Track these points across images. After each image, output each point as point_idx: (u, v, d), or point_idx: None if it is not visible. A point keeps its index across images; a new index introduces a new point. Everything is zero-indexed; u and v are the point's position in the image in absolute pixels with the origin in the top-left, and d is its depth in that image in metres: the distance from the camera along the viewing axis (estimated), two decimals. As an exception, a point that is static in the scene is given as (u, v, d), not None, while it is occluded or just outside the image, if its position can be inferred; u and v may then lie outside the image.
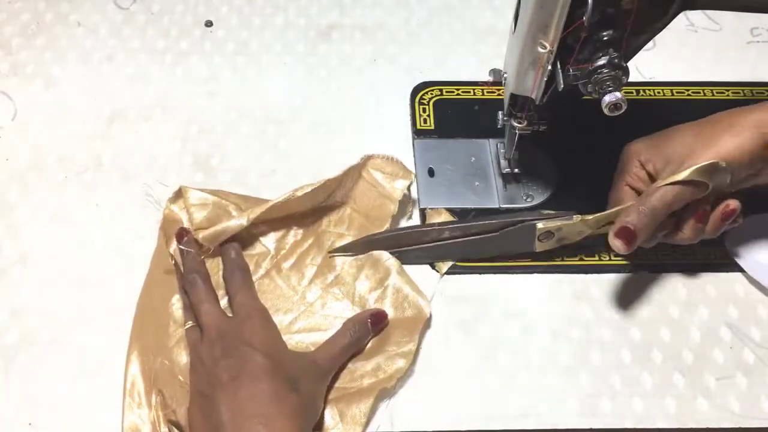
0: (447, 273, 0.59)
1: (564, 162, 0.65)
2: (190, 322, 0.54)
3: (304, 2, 0.78)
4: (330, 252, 0.59)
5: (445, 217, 0.61)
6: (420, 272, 0.59)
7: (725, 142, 0.53)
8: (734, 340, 0.56)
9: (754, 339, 0.56)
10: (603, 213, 0.57)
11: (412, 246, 0.59)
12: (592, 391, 0.54)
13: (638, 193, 0.57)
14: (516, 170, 0.63)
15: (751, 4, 0.60)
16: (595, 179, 0.64)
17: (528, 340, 0.56)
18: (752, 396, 0.54)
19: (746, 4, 0.60)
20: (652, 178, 0.56)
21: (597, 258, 0.60)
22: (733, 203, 0.55)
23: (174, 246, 0.57)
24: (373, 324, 0.55)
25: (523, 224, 0.57)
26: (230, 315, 0.54)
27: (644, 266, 0.60)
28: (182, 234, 0.57)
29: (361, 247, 0.59)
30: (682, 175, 0.52)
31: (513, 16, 0.53)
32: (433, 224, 0.59)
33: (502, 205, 0.63)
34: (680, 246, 0.58)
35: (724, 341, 0.56)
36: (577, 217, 0.57)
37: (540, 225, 0.57)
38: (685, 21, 0.77)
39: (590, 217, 0.57)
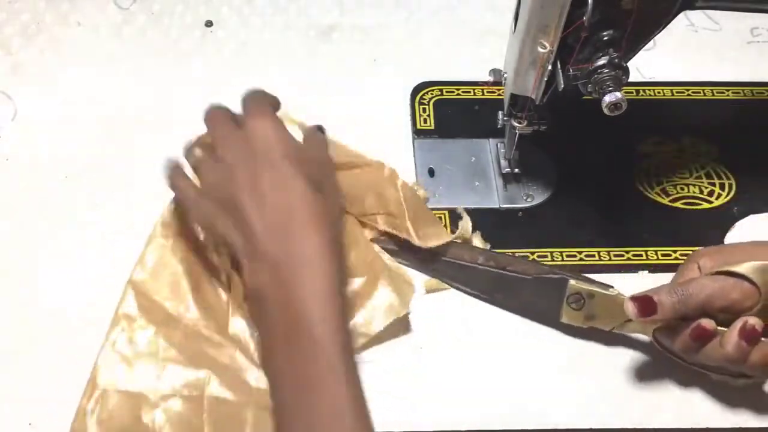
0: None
1: (564, 162, 0.65)
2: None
3: (304, 2, 0.78)
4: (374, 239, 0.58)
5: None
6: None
7: None
8: (734, 340, 0.56)
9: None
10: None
11: (440, 258, 0.57)
12: (592, 391, 0.54)
13: None
14: (516, 170, 0.63)
15: (751, 4, 0.60)
16: (596, 179, 0.64)
17: (528, 341, 0.56)
18: (752, 396, 0.54)
19: (746, 4, 0.60)
20: None
21: (597, 258, 0.60)
22: None
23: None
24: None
25: (557, 277, 0.53)
26: None
27: (644, 266, 0.60)
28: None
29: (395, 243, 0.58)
30: (735, 267, 0.47)
31: (513, 16, 0.53)
32: (473, 246, 0.58)
33: (502, 205, 0.63)
34: (680, 246, 0.58)
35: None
36: (614, 290, 0.52)
37: (573, 282, 0.52)
38: (685, 21, 0.77)
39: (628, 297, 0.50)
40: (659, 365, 0.55)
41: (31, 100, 0.69)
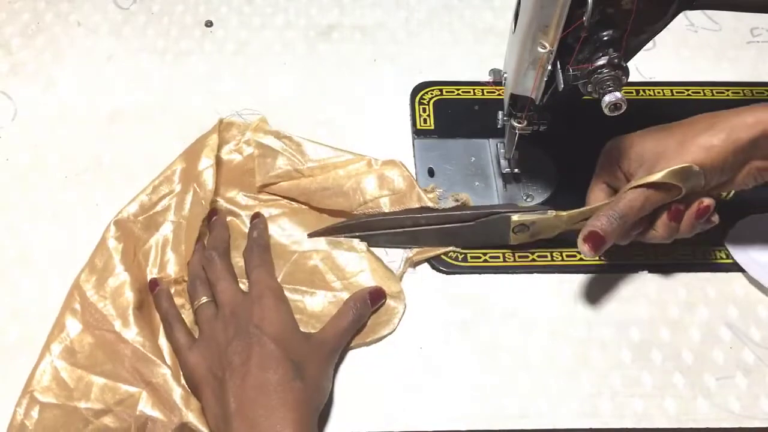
0: (448, 273, 0.59)
1: (564, 162, 0.65)
2: (205, 297, 0.55)
3: (304, 2, 0.78)
4: (310, 234, 0.60)
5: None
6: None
7: (699, 145, 0.52)
8: (734, 340, 0.56)
9: (753, 339, 0.56)
10: (577, 210, 0.57)
11: (386, 230, 0.59)
12: (592, 391, 0.54)
13: (615, 191, 0.57)
14: (516, 170, 0.63)
15: (751, 4, 0.60)
16: (595, 179, 0.64)
17: (528, 340, 0.56)
18: (752, 396, 0.54)
19: (746, 4, 0.60)
20: (628, 178, 0.56)
21: (597, 257, 0.60)
22: (707, 200, 0.53)
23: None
24: (373, 300, 0.56)
25: (498, 216, 0.58)
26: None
27: (644, 266, 0.60)
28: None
29: (336, 230, 0.60)
30: (654, 177, 0.51)
31: (513, 16, 0.53)
32: (411, 210, 0.60)
33: (502, 205, 0.63)
34: (680, 245, 0.58)
35: (724, 341, 0.56)
36: (551, 213, 0.57)
37: (515, 217, 0.57)
38: (685, 21, 0.77)
39: (564, 213, 0.57)
40: (659, 365, 0.55)
41: (31, 100, 0.69)
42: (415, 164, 0.65)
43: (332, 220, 0.61)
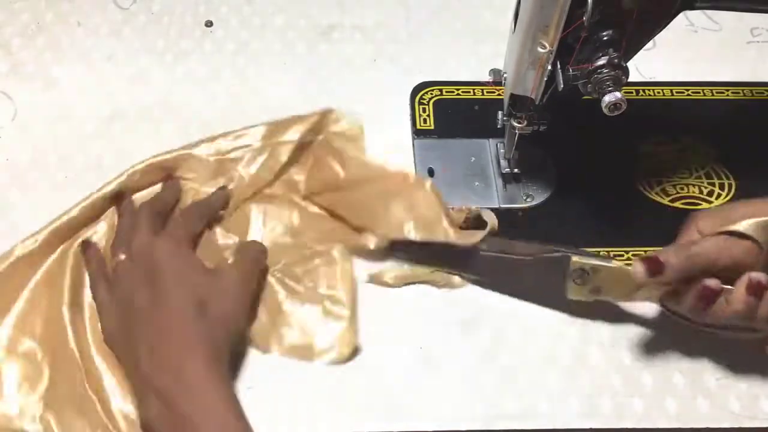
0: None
1: (564, 162, 0.65)
2: (123, 255, 0.54)
3: (304, 2, 0.78)
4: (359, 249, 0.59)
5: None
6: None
7: None
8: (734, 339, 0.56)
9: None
10: None
11: (437, 248, 0.56)
12: (592, 391, 0.54)
13: None
14: (516, 170, 0.63)
15: (751, 4, 0.60)
16: (596, 179, 0.64)
17: (528, 340, 0.56)
18: (752, 396, 0.54)
19: (746, 4, 0.60)
20: None
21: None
22: None
23: None
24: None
25: (558, 255, 0.53)
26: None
27: (644, 266, 0.60)
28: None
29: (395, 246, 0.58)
30: (734, 226, 0.48)
31: (513, 16, 0.53)
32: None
33: (501, 205, 0.63)
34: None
35: (724, 341, 0.56)
36: (616, 263, 0.52)
37: (575, 258, 0.52)
38: (685, 21, 0.77)
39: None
40: (660, 365, 0.55)
41: (31, 100, 0.69)
42: (414, 164, 0.65)
43: (353, 236, 0.60)
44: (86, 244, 0.57)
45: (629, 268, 0.50)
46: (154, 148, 0.65)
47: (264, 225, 0.60)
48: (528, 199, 0.63)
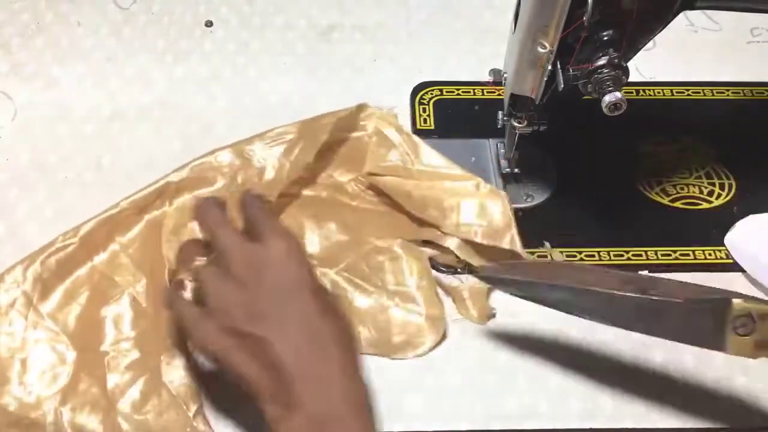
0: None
1: (564, 162, 0.65)
2: (204, 258, 0.49)
3: (304, 2, 0.78)
4: (479, 269, 0.56)
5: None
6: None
7: None
8: (734, 340, 0.56)
9: (754, 339, 0.56)
10: None
11: (562, 284, 0.48)
12: (592, 391, 0.54)
13: None
14: (516, 170, 0.63)
15: (751, 4, 0.59)
16: (596, 179, 0.64)
17: (528, 341, 0.56)
18: (752, 396, 0.54)
19: (746, 4, 0.60)
20: None
21: (597, 258, 0.60)
22: None
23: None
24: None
25: (717, 298, 0.43)
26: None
27: (644, 266, 0.60)
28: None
29: (505, 271, 0.52)
30: None
31: (513, 16, 0.53)
32: (599, 267, 0.51)
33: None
34: (680, 246, 0.58)
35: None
36: None
37: (738, 302, 0.42)
38: (685, 21, 0.77)
39: None
40: (659, 365, 0.55)
41: (31, 100, 0.69)
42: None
43: (413, 229, 0.59)
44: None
45: None
46: (154, 148, 0.65)
47: (318, 227, 0.60)
48: (528, 199, 0.63)
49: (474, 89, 0.71)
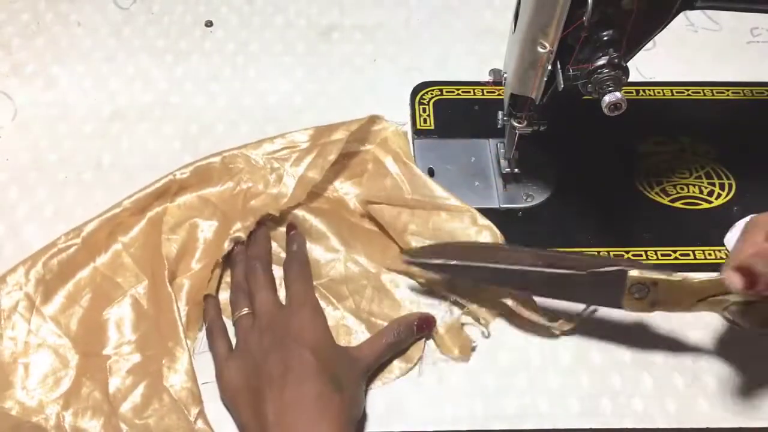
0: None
1: (564, 162, 0.65)
2: (246, 309, 0.54)
3: (304, 2, 0.78)
4: (405, 252, 0.57)
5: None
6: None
7: None
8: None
9: (753, 338, 0.56)
10: (711, 277, 0.48)
11: (484, 264, 0.54)
12: (592, 391, 0.54)
13: None
14: (516, 170, 0.63)
15: (751, 4, 0.59)
16: (596, 179, 0.64)
17: (528, 340, 0.56)
18: (752, 396, 0.54)
19: (746, 4, 0.60)
20: None
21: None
22: None
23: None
24: (419, 329, 0.55)
25: (614, 269, 0.50)
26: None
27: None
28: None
29: (431, 253, 0.56)
30: None
31: (513, 16, 0.53)
32: (515, 246, 0.56)
33: (502, 205, 0.63)
34: (680, 246, 0.58)
35: (724, 340, 0.56)
36: (679, 275, 0.49)
37: (633, 273, 0.49)
38: (685, 21, 0.77)
39: (696, 279, 0.49)
40: (659, 365, 0.55)
41: (31, 100, 0.69)
42: (415, 164, 0.65)
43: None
44: (206, 295, 0.56)
45: (692, 280, 0.49)
46: (154, 148, 0.65)
47: (317, 239, 0.60)
48: (528, 199, 0.63)
49: (474, 89, 0.71)
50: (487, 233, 0.58)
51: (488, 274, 0.54)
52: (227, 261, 0.58)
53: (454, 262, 0.54)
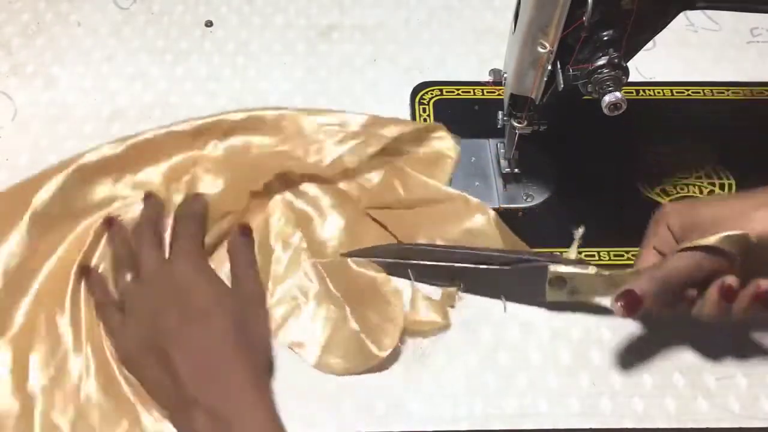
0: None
1: (564, 162, 0.65)
2: (130, 275, 0.54)
3: (304, 2, 0.78)
4: (342, 254, 0.58)
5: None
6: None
7: (762, 216, 0.48)
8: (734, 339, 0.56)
9: (753, 338, 0.56)
10: (621, 271, 0.52)
11: (418, 261, 0.57)
12: (592, 391, 0.54)
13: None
14: (516, 170, 0.63)
15: (751, 4, 0.59)
16: (595, 179, 0.64)
17: (528, 340, 0.56)
18: (752, 396, 0.54)
19: (746, 4, 0.60)
20: (680, 244, 0.51)
21: (597, 258, 0.60)
22: (766, 283, 0.47)
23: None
24: (243, 234, 0.57)
25: (535, 263, 0.54)
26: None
27: (644, 266, 0.60)
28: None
29: (368, 253, 0.58)
30: (707, 241, 0.47)
31: (513, 16, 0.53)
32: (446, 246, 0.58)
33: (502, 205, 0.63)
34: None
35: (724, 340, 0.56)
36: (592, 269, 0.53)
37: (552, 268, 0.54)
38: (685, 21, 0.77)
39: (606, 272, 0.53)
40: (659, 365, 0.55)
41: (31, 100, 0.69)
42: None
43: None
44: (84, 270, 0.56)
45: (605, 272, 0.52)
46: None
47: (334, 217, 0.60)
48: (528, 199, 0.63)
49: (474, 89, 0.71)
50: (479, 216, 0.58)
51: (423, 270, 0.57)
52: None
53: (390, 260, 0.57)
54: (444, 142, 0.63)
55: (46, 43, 0.73)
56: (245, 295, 0.54)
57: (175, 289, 0.51)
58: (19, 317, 0.53)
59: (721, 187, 0.64)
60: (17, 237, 0.56)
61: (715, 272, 0.48)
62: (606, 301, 0.55)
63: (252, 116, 0.63)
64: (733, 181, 0.65)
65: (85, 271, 0.56)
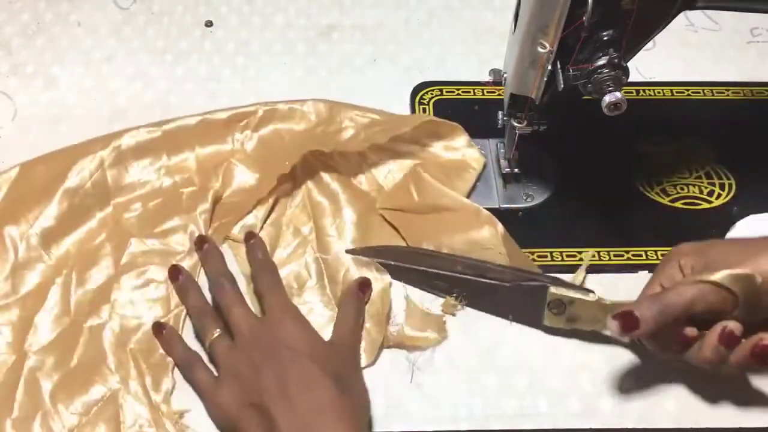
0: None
1: (564, 162, 0.65)
2: (218, 330, 0.52)
3: (304, 2, 0.78)
4: (347, 251, 0.58)
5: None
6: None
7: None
8: (734, 340, 0.56)
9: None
10: (623, 302, 0.51)
11: (419, 267, 0.57)
12: (592, 391, 0.54)
13: None
14: (516, 170, 0.63)
15: (751, 4, 0.60)
16: (596, 179, 0.64)
17: (528, 340, 0.56)
18: (751, 396, 0.54)
19: (746, 4, 0.60)
20: None
21: (597, 258, 0.60)
22: None
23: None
24: (363, 292, 0.56)
25: (537, 284, 0.54)
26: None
27: (644, 266, 0.60)
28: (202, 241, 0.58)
29: (373, 253, 0.58)
30: (711, 276, 0.47)
31: (513, 16, 0.53)
32: (449, 254, 0.58)
33: (502, 205, 0.63)
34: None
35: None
36: (593, 296, 0.52)
37: (552, 290, 0.53)
38: (685, 21, 0.77)
39: (608, 301, 0.52)
40: (659, 365, 0.55)
41: (31, 100, 0.69)
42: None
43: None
44: (158, 328, 0.54)
45: (606, 301, 0.52)
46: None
47: (345, 208, 0.61)
48: (528, 199, 0.63)
49: (474, 89, 0.71)
50: (487, 228, 0.58)
51: (421, 276, 0.57)
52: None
53: (391, 263, 0.57)
54: (471, 152, 0.64)
55: (46, 43, 0.73)
56: (345, 353, 0.52)
57: (277, 347, 0.49)
58: (33, 277, 0.56)
59: (721, 187, 0.64)
60: (50, 208, 0.59)
61: (716, 310, 0.47)
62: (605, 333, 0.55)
63: (284, 108, 0.65)
64: (732, 181, 0.65)
65: (157, 328, 0.54)
